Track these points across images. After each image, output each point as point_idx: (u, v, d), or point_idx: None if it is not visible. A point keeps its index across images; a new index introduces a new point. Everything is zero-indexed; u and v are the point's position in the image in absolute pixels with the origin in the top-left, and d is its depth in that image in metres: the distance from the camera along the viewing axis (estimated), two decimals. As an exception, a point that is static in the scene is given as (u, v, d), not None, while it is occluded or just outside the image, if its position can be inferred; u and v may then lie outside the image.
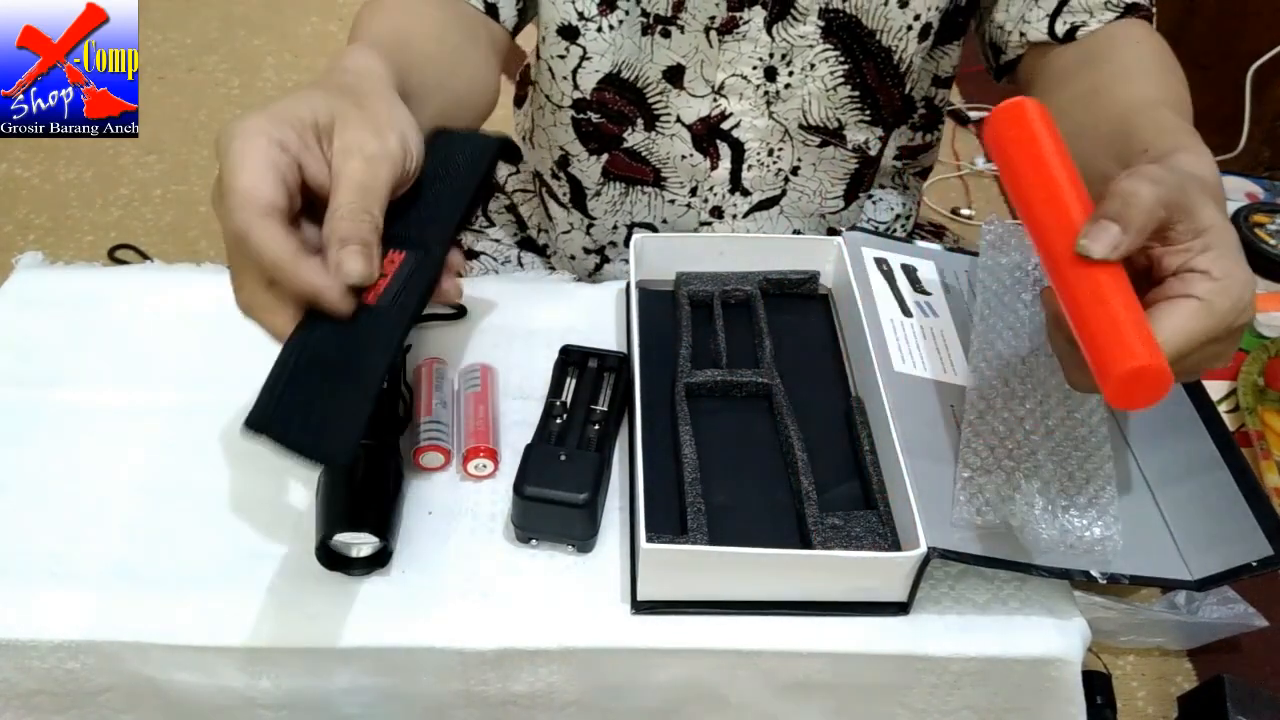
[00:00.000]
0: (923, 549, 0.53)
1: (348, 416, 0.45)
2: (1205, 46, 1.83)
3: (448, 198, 0.54)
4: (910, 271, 0.72)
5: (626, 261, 0.90)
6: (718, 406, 0.66)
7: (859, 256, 0.72)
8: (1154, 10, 0.74)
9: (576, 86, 0.81)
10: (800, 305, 0.74)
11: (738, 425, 0.65)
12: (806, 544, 0.57)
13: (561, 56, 0.79)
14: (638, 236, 0.72)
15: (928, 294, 0.71)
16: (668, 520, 0.58)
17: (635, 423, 0.60)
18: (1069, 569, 0.56)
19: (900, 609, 0.57)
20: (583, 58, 0.79)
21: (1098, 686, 1.07)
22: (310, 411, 0.45)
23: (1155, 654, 1.24)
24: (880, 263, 0.72)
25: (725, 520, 0.59)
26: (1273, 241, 1.71)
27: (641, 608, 0.56)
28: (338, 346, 0.47)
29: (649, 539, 0.54)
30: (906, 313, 0.69)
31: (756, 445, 0.64)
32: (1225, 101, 1.87)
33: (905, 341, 0.67)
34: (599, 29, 0.77)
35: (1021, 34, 0.76)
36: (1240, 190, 1.91)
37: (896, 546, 0.57)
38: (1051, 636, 0.56)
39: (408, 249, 0.51)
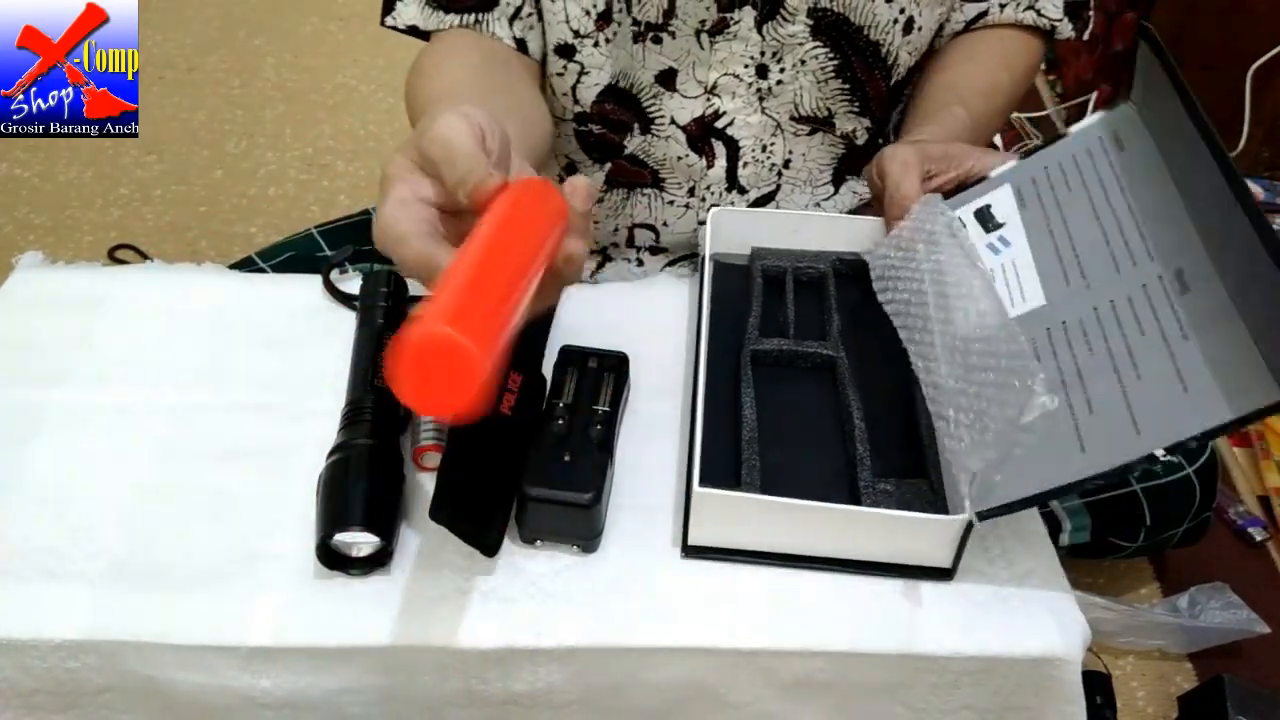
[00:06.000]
0: (968, 514, 0.54)
1: (497, 517, 0.58)
2: (1205, 46, 1.83)
3: (536, 332, 0.66)
4: (983, 213, 0.70)
5: (628, 261, 0.92)
6: (782, 375, 0.67)
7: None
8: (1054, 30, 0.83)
9: (576, 101, 0.81)
10: (871, 286, 0.72)
11: (800, 394, 0.66)
12: (856, 505, 0.58)
13: (560, 74, 0.80)
14: (715, 211, 0.73)
15: (1000, 225, 0.69)
16: (723, 474, 0.59)
17: (699, 383, 0.62)
18: (1126, 463, 0.51)
19: (944, 574, 0.58)
20: (581, 73, 0.79)
21: (1098, 686, 1.07)
22: (470, 507, 0.56)
23: (1155, 654, 1.24)
24: (951, 223, 0.67)
25: (778, 478, 0.60)
26: (1273, 242, 1.70)
27: (691, 552, 0.58)
28: (486, 447, 0.58)
29: (702, 484, 0.55)
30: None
31: (816, 413, 0.65)
32: (1225, 101, 1.86)
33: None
34: (595, 44, 0.77)
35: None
36: (1240, 190, 1.91)
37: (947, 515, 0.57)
38: (1051, 636, 0.56)
39: (520, 372, 0.62)
